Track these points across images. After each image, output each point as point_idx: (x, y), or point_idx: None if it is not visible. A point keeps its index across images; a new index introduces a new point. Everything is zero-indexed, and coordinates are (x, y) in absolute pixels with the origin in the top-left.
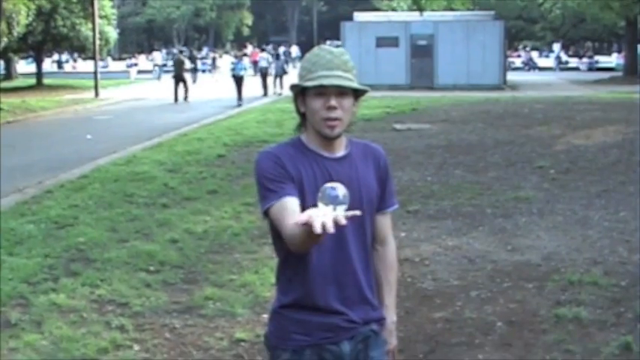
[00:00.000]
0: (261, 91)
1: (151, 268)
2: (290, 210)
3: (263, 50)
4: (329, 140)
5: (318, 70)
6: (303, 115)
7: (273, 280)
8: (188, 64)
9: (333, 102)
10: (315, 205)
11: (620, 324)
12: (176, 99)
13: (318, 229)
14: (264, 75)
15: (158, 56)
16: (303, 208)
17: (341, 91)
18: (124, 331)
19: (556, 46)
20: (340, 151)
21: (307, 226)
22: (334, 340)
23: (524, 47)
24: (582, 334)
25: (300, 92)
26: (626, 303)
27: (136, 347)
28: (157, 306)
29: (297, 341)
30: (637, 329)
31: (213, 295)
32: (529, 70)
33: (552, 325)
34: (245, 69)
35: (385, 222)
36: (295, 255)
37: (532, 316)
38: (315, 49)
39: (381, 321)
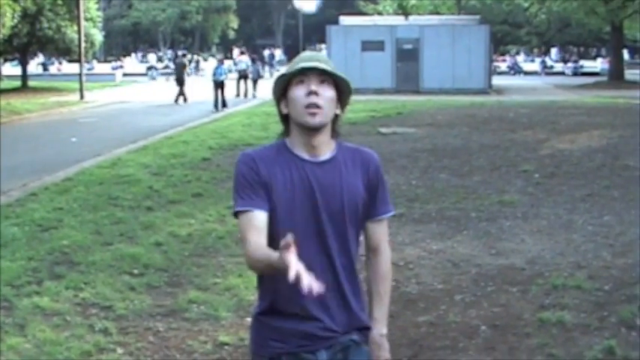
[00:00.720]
0: (235, 93)
1: (135, 272)
2: (256, 227)
3: (242, 53)
4: (311, 133)
5: (298, 62)
6: (285, 118)
7: (256, 283)
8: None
9: (314, 86)
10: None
11: (603, 328)
12: (185, 99)
13: (291, 278)
14: (242, 77)
15: (153, 58)
16: (275, 212)
17: (322, 80)
18: (107, 334)
19: (553, 51)
20: (325, 155)
21: (284, 265)
22: (311, 349)
23: (517, 52)
24: (566, 338)
25: (282, 94)
26: (609, 307)
27: (120, 350)
28: (141, 309)
29: (274, 348)
30: (620, 333)
31: (197, 298)
32: (514, 74)
33: (536, 328)
34: (226, 73)
35: (378, 229)
36: None
37: (516, 319)
38: (302, 53)
39: (363, 331)
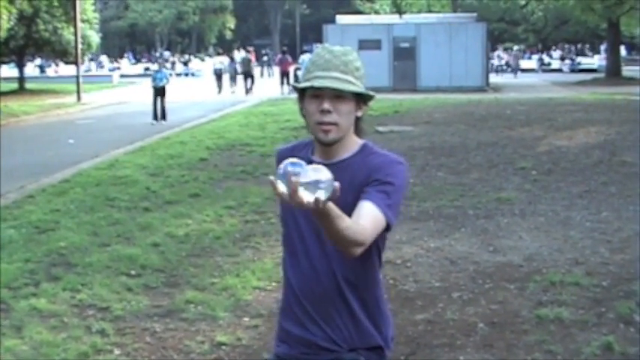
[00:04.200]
0: (216, 91)
1: (132, 272)
2: None
3: (219, 54)
4: (325, 145)
5: (314, 71)
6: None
7: (254, 283)
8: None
9: (326, 105)
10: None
11: (601, 324)
12: (247, 91)
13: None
14: (218, 76)
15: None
16: (282, 211)
17: (337, 95)
18: (104, 335)
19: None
20: (340, 157)
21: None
22: (313, 358)
23: (535, 54)
24: (564, 335)
25: (301, 94)
26: (607, 303)
27: (117, 351)
28: (138, 310)
29: (281, 348)
30: (619, 329)
31: (194, 298)
32: (512, 72)
33: (534, 325)
34: (166, 79)
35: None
36: (285, 258)
37: (514, 316)
38: (319, 49)
39: (376, 350)
